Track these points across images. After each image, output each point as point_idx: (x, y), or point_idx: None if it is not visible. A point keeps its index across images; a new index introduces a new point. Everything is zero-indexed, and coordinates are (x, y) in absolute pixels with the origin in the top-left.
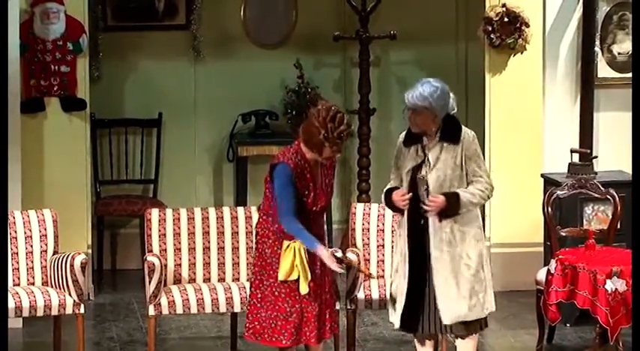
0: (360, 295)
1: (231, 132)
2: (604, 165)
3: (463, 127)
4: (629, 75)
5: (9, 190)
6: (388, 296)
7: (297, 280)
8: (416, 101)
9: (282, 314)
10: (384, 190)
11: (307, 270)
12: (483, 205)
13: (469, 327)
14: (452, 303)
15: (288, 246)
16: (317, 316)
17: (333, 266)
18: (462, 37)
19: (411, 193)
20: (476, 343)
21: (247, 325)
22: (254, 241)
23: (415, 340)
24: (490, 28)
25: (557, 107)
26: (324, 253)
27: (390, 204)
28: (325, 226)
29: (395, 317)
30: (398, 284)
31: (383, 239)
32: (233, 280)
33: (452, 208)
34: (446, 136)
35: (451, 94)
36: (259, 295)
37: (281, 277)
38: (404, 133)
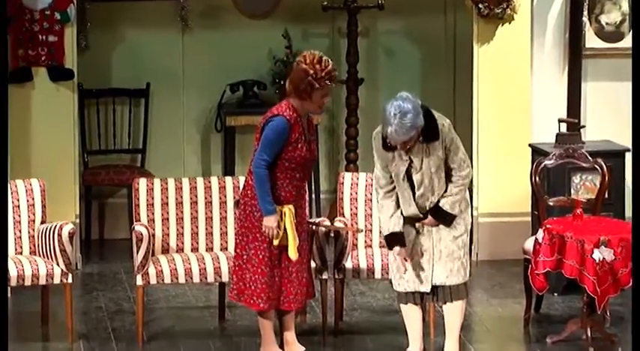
0: (348, 264)
1: (220, 102)
2: (592, 135)
3: (437, 117)
4: (617, 45)
5: None
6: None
7: (283, 245)
8: (406, 136)
9: (264, 278)
10: (385, 232)
11: (296, 236)
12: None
13: (453, 293)
14: (436, 266)
15: (279, 211)
16: (296, 281)
17: (270, 233)
18: (450, 7)
19: (409, 264)
20: (463, 312)
21: (232, 285)
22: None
23: (402, 309)
24: None
25: (545, 77)
26: (270, 220)
27: (390, 247)
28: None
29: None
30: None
31: (371, 209)
32: (221, 250)
33: (444, 219)
34: (427, 137)
35: (413, 97)
36: (245, 257)
37: (276, 242)
38: (378, 134)
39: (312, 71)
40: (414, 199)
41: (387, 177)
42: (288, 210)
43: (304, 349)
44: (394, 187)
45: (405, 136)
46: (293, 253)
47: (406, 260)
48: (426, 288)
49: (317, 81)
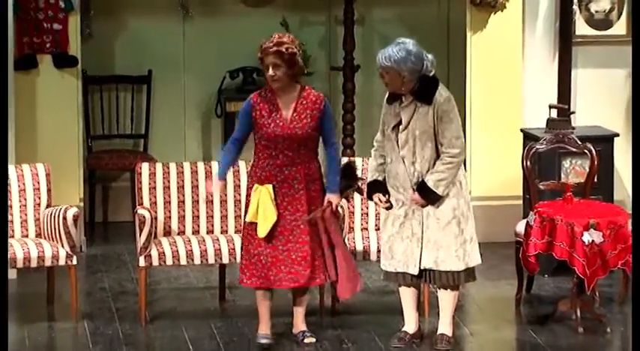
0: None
1: (220, 88)
2: (581, 120)
3: (440, 87)
4: (607, 32)
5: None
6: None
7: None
8: (382, 61)
9: (247, 255)
10: (369, 180)
11: (268, 213)
12: (465, 159)
13: (443, 278)
14: (424, 251)
15: (256, 189)
16: (288, 260)
17: (213, 189)
18: None
19: (388, 203)
20: (456, 294)
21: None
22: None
23: (400, 290)
24: None
25: (537, 64)
26: (212, 182)
27: (369, 195)
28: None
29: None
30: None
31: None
32: (221, 233)
33: (429, 196)
34: (419, 96)
35: (428, 56)
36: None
37: (247, 218)
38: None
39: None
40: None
41: (382, 130)
42: (265, 189)
43: (304, 330)
44: (384, 144)
45: (384, 61)
46: (261, 231)
47: (383, 203)
48: (413, 270)
49: (259, 58)
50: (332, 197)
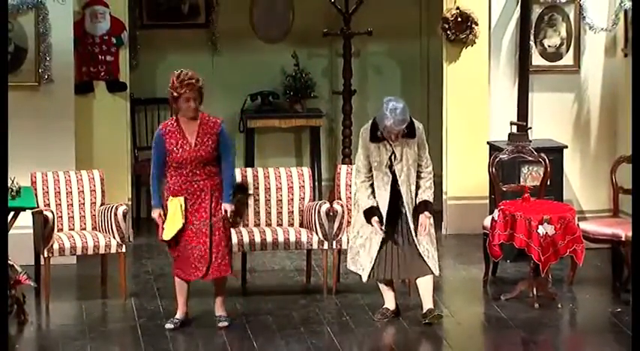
0: (344, 238)
1: (242, 108)
2: (537, 135)
3: (414, 121)
4: (557, 63)
5: (65, 155)
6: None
7: (181, 228)
8: (400, 126)
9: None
10: (365, 206)
11: (176, 220)
12: (441, 166)
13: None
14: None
15: (171, 200)
16: (190, 257)
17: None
18: (424, 34)
19: (384, 229)
20: (432, 279)
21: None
22: None
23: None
24: (447, 26)
25: (500, 89)
26: (155, 214)
27: (367, 219)
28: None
29: (365, 271)
30: (370, 246)
31: None
32: (243, 226)
33: (429, 209)
34: (407, 134)
35: (401, 99)
36: None
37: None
38: (366, 130)
39: (170, 85)
40: (391, 185)
41: (367, 165)
42: (177, 200)
43: (220, 314)
44: (371, 175)
45: (401, 126)
46: (166, 235)
47: (379, 225)
48: (396, 278)
49: (174, 90)
50: (226, 206)
